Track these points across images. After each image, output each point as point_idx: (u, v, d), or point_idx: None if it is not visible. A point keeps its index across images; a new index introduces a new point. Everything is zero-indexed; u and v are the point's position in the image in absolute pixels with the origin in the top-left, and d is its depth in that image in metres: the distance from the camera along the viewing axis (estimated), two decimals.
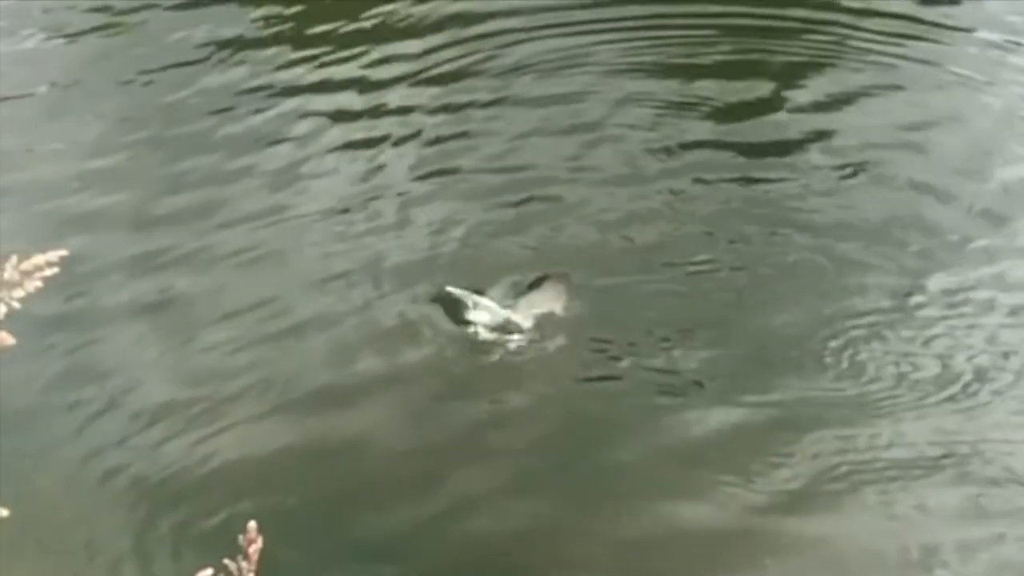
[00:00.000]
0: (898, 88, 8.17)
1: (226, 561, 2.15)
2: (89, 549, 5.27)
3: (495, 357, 6.19)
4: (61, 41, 8.99)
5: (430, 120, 7.83)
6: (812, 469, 5.59)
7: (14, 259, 2.10)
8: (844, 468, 5.60)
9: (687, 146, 7.58)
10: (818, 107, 7.97)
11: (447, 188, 7.29)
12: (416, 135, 7.71)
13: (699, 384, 6.02)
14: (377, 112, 7.94)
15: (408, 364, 6.15)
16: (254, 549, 2.14)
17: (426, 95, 8.13)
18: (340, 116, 7.93)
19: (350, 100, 8.09)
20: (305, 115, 7.91)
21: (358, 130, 7.77)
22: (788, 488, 5.53)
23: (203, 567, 2.18)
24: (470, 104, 8.00)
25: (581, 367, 6.16)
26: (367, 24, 8.93)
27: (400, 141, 7.63)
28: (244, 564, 2.15)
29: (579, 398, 6.06)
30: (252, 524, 2.14)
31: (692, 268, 6.67)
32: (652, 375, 6.08)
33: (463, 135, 7.73)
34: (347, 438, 5.83)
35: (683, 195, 7.19)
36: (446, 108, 7.97)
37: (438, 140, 7.65)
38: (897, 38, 8.59)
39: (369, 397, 6.02)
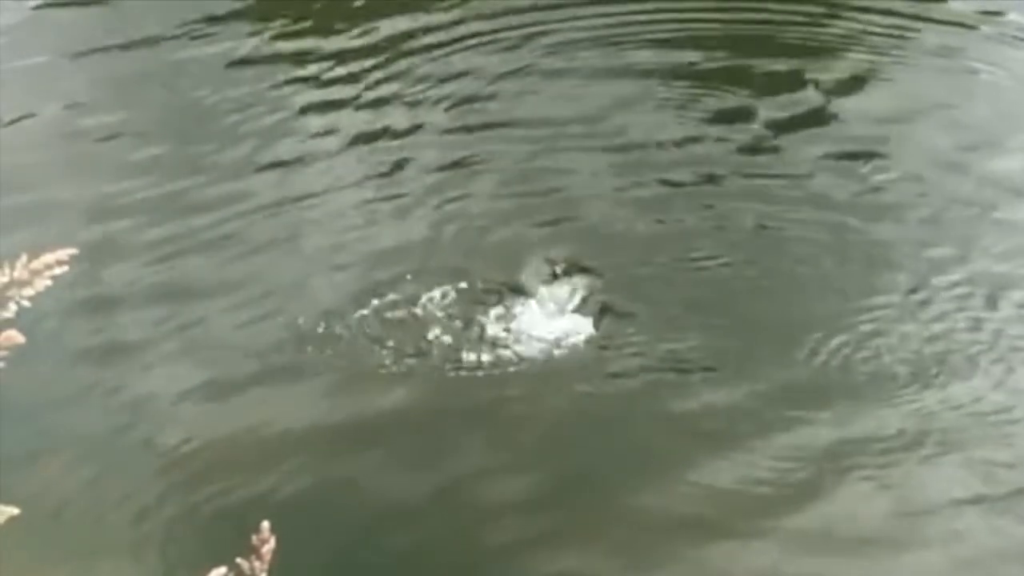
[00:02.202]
0: (918, 82, 8.12)
1: (239, 560, 2.13)
2: (98, 548, 5.25)
3: (507, 360, 6.05)
4: (65, 11, 8.96)
5: (444, 137, 7.68)
6: (822, 465, 5.53)
7: (24, 257, 2.08)
8: (852, 462, 5.53)
9: (701, 142, 7.54)
10: (835, 102, 7.91)
11: (458, 200, 7.16)
12: (429, 147, 7.57)
13: (709, 382, 5.91)
14: (390, 125, 7.79)
15: (417, 368, 6.04)
16: (267, 549, 2.13)
17: (441, 96, 8.03)
18: (350, 128, 7.78)
19: (360, 114, 7.93)
20: (313, 132, 7.75)
21: (371, 150, 7.59)
22: (800, 486, 5.45)
23: (216, 566, 2.17)
24: (483, 120, 7.85)
25: (593, 367, 6.04)
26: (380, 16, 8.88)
27: (415, 165, 7.45)
28: (257, 564, 2.13)
29: (588, 400, 5.93)
30: (265, 524, 2.13)
31: (703, 266, 6.59)
32: (664, 375, 5.98)
33: (475, 155, 7.57)
34: (356, 448, 5.75)
35: (695, 191, 7.13)
36: (459, 126, 7.80)
37: (452, 163, 7.47)
38: (913, 29, 8.54)
39: (377, 408, 5.92)
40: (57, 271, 2.09)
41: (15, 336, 2.11)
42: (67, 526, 5.26)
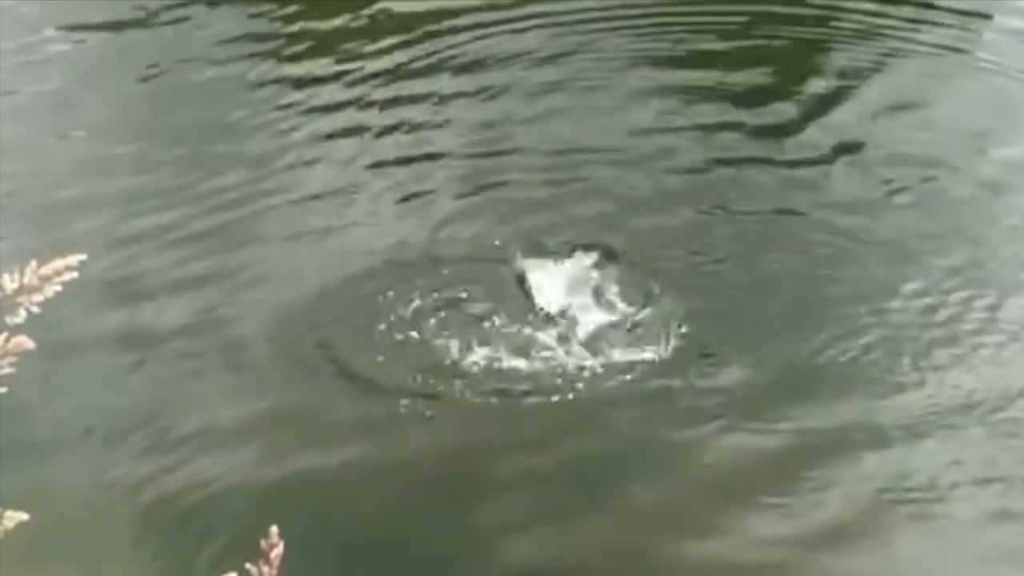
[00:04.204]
0: (933, 91, 8.15)
1: (248, 566, 2.13)
2: (107, 555, 5.24)
3: (518, 379, 5.96)
4: (81, 41, 8.99)
5: (460, 160, 7.64)
6: (846, 497, 5.43)
7: (34, 263, 2.09)
8: (879, 496, 5.42)
9: (712, 160, 7.54)
10: (854, 115, 7.93)
11: (468, 202, 7.21)
12: (442, 169, 7.55)
13: (727, 409, 5.81)
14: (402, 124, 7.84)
15: (432, 387, 5.96)
16: (276, 554, 2.12)
17: (449, 101, 8.09)
18: (355, 130, 7.87)
19: (370, 116, 8.00)
20: (317, 134, 7.80)
21: (380, 150, 7.62)
22: (822, 518, 5.36)
23: (224, 572, 2.16)
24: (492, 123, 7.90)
25: (606, 390, 5.93)
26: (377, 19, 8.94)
27: (429, 173, 7.47)
28: (266, 569, 2.13)
29: (604, 424, 5.85)
30: (274, 529, 2.12)
31: (715, 285, 6.53)
32: (678, 400, 5.89)
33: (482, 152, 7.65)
34: (370, 459, 5.70)
35: (710, 212, 7.12)
36: (480, 149, 7.78)
37: (472, 187, 7.43)
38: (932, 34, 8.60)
39: (393, 422, 5.85)
40: (67, 277, 2.11)
41: (25, 342, 2.12)
42: (75, 532, 5.24)
